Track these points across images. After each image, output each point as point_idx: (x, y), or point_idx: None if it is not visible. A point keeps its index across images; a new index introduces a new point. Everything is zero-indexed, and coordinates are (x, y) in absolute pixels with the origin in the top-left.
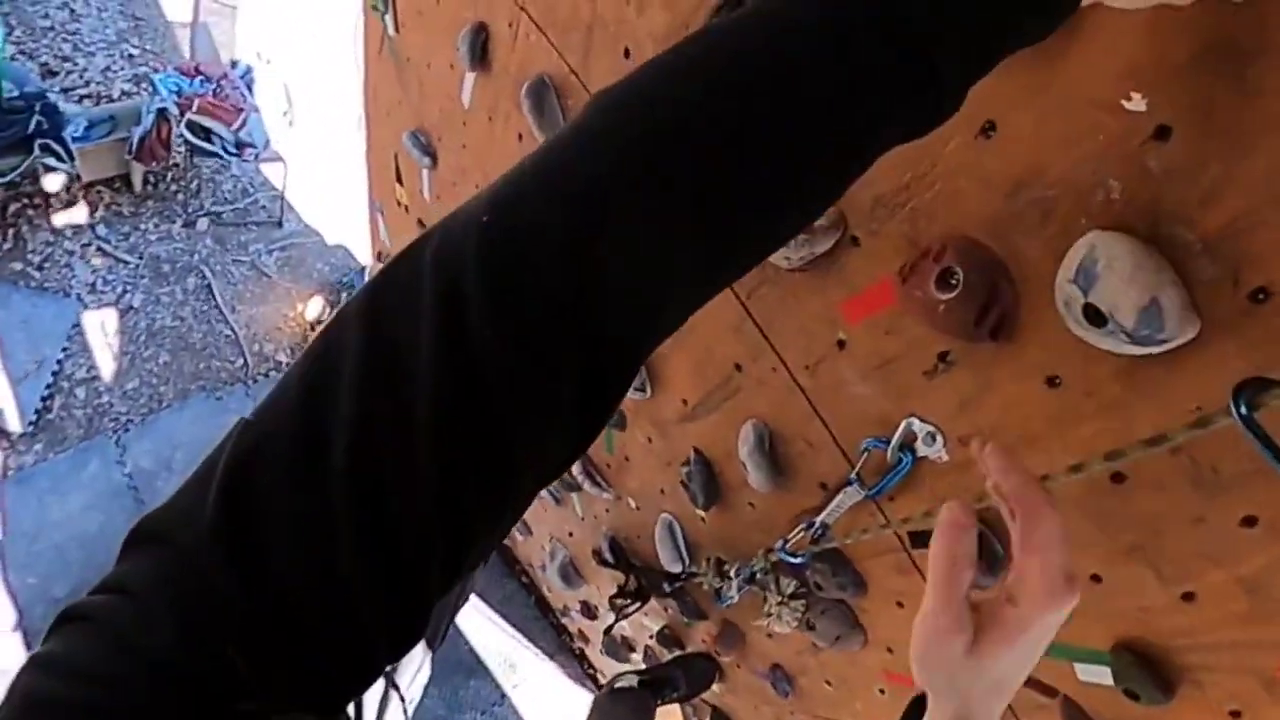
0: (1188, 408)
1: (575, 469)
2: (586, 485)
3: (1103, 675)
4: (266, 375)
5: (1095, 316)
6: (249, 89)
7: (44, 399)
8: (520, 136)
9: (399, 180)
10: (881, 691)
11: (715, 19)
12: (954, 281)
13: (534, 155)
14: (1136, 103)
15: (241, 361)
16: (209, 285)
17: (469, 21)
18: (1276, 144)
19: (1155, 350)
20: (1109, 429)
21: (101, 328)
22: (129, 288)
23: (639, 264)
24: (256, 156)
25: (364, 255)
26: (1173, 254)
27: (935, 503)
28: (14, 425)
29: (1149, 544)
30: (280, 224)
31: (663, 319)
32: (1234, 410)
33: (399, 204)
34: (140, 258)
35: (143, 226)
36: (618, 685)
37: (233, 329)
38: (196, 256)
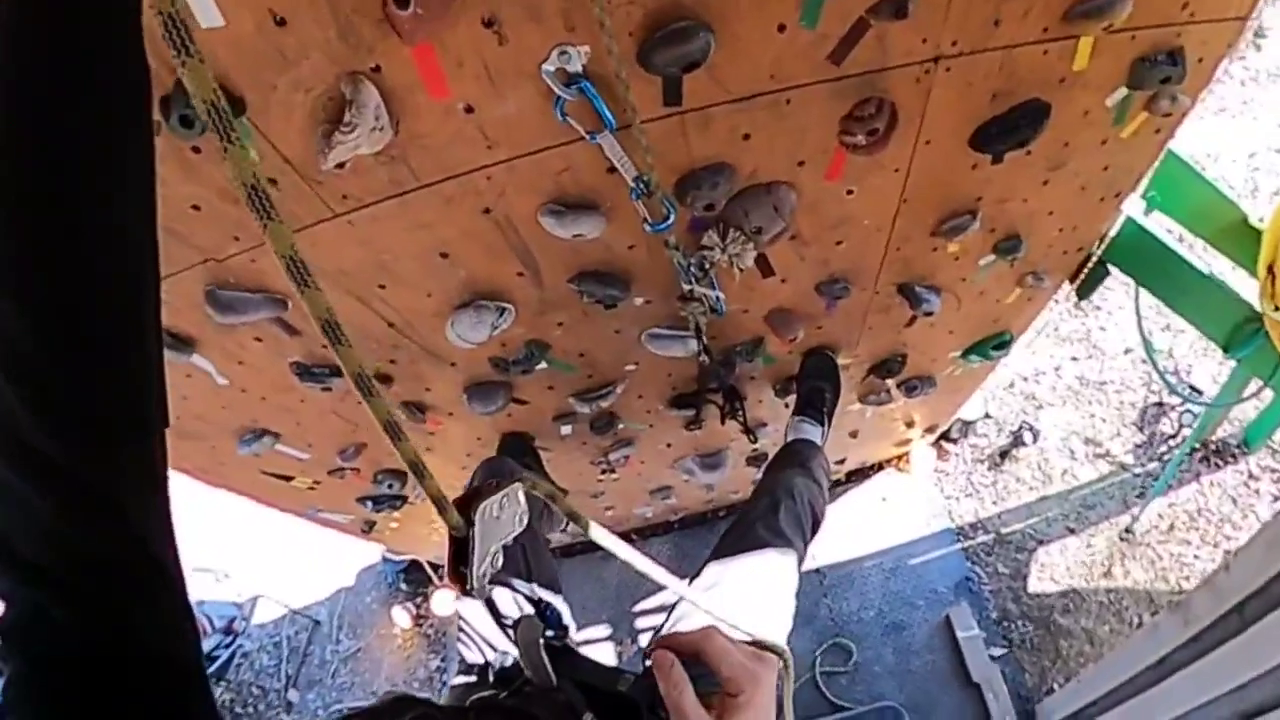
0: None
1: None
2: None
3: None
4: (447, 685)
5: None
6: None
7: None
8: None
9: (283, 479)
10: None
11: None
12: None
13: None
14: None
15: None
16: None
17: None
18: None
19: None
20: None
21: None
22: None
23: None
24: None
25: (352, 566)
26: None
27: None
28: None
29: None
30: (316, 620)
31: None
32: None
33: (305, 488)
34: None
35: None
36: None
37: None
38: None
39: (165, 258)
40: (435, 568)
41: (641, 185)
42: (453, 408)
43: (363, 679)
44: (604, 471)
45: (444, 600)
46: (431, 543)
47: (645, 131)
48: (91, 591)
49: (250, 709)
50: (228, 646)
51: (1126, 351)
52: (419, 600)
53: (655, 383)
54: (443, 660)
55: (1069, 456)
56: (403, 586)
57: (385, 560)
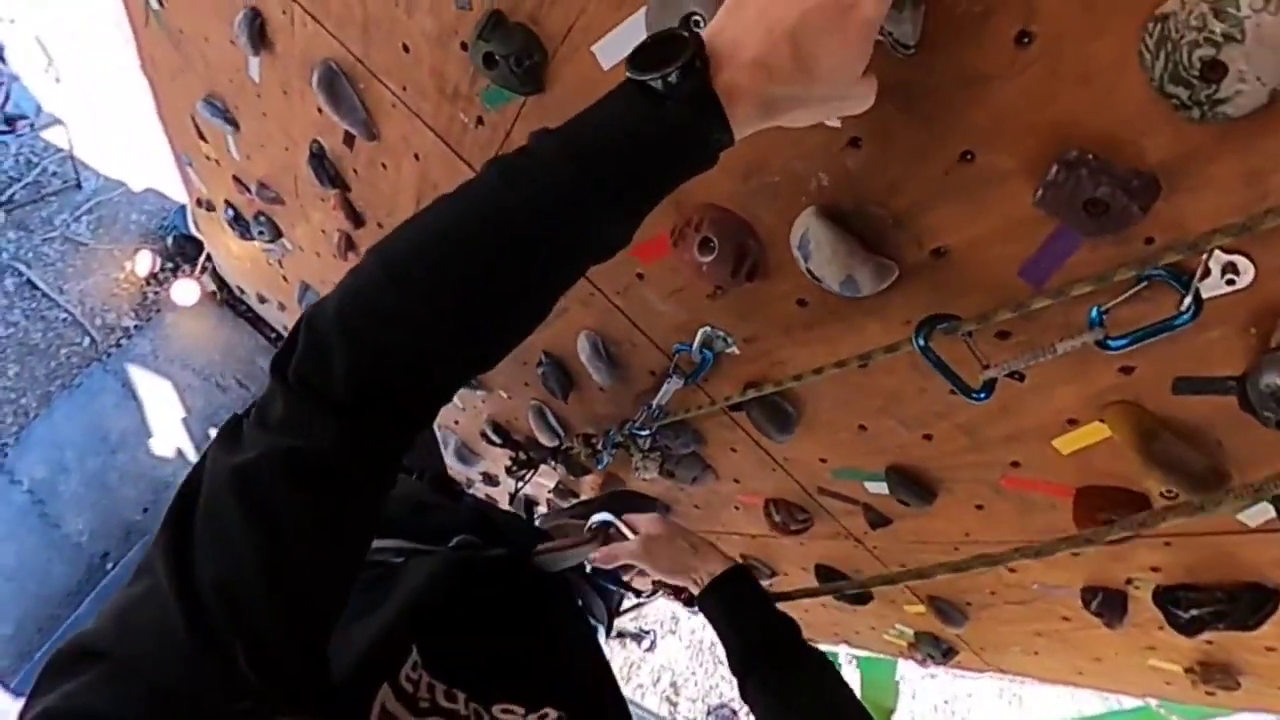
0: (903, 320)
1: None
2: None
3: (882, 489)
4: (118, 345)
5: (814, 276)
6: (0, 59)
7: None
8: (320, 109)
9: (202, 138)
10: (736, 508)
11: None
12: (711, 247)
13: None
14: (834, 121)
15: (89, 340)
16: (28, 280)
17: (241, 5)
18: (940, 151)
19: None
20: (854, 335)
21: None
22: None
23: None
24: (33, 126)
25: (176, 194)
26: (872, 225)
27: (736, 381)
28: None
29: (891, 406)
30: (79, 185)
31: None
32: (914, 341)
33: (208, 158)
34: None
35: None
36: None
37: (68, 311)
38: (5, 254)
39: None
40: (209, 259)
41: (657, 411)
42: None
43: (61, 270)
44: None
45: (185, 290)
46: (250, 272)
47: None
48: None
49: None
50: None
51: None
52: (169, 266)
53: (504, 410)
54: (134, 327)
55: None
56: (168, 241)
57: (181, 211)
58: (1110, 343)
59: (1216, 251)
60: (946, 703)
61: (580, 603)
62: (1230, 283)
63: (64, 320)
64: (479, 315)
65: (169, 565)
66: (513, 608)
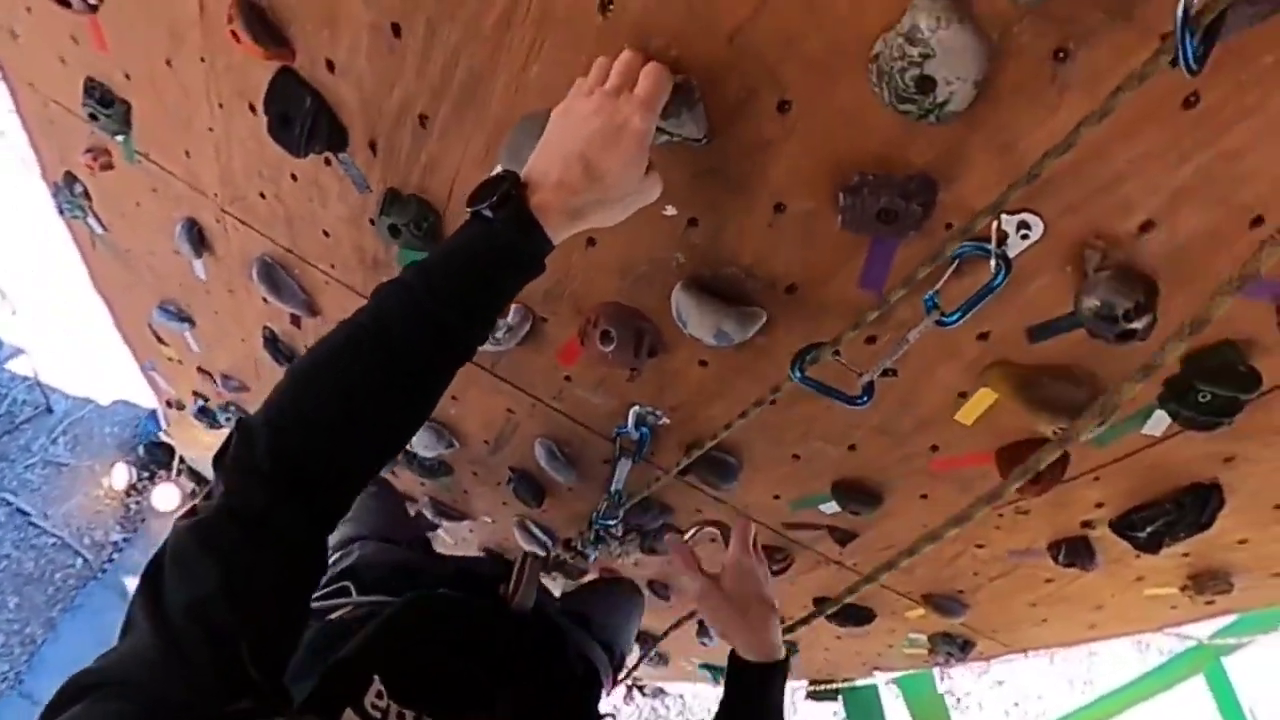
0: (787, 353)
1: (429, 513)
2: (444, 522)
3: (834, 507)
4: (110, 560)
5: (695, 338)
6: None
7: None
8: (265, 299)
9: (162, 343)
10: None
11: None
12: (611, 337)
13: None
14: (670, 210)
15: (81, 560)
16: (16, 508)
17: (177, 219)
18: (758, 209)
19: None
20: (756, 379)
21: None
22: None
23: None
24: None
25: (144, 400)
26: (731, 283)
27: (679, 446)
28: None
29: (812, 429)
30: (50, 409)
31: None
32: (792, 374)
33: (170, 359)
34: None
35: None
36: None
37: (57, 535)
38: None
39: None
40: (182, 461)
41: (617, 495)
42: None
43: (46, 495)
44: None
45: (166, 496)
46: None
47: (654, 479)
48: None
49: None
50: None
51: None
52: (145, 475)
53: (492, 534)
54: (123, 540)
55: None
56: (140, 451)
57: (151, 417)
58: (945, 319)
59: (1004, 216)
60: (1017, 705)
61: (574, 651)
62: (1025, 237)
63: (54, 545)
64: (363, 410)
65: (146, 608)
66: (487, 646)
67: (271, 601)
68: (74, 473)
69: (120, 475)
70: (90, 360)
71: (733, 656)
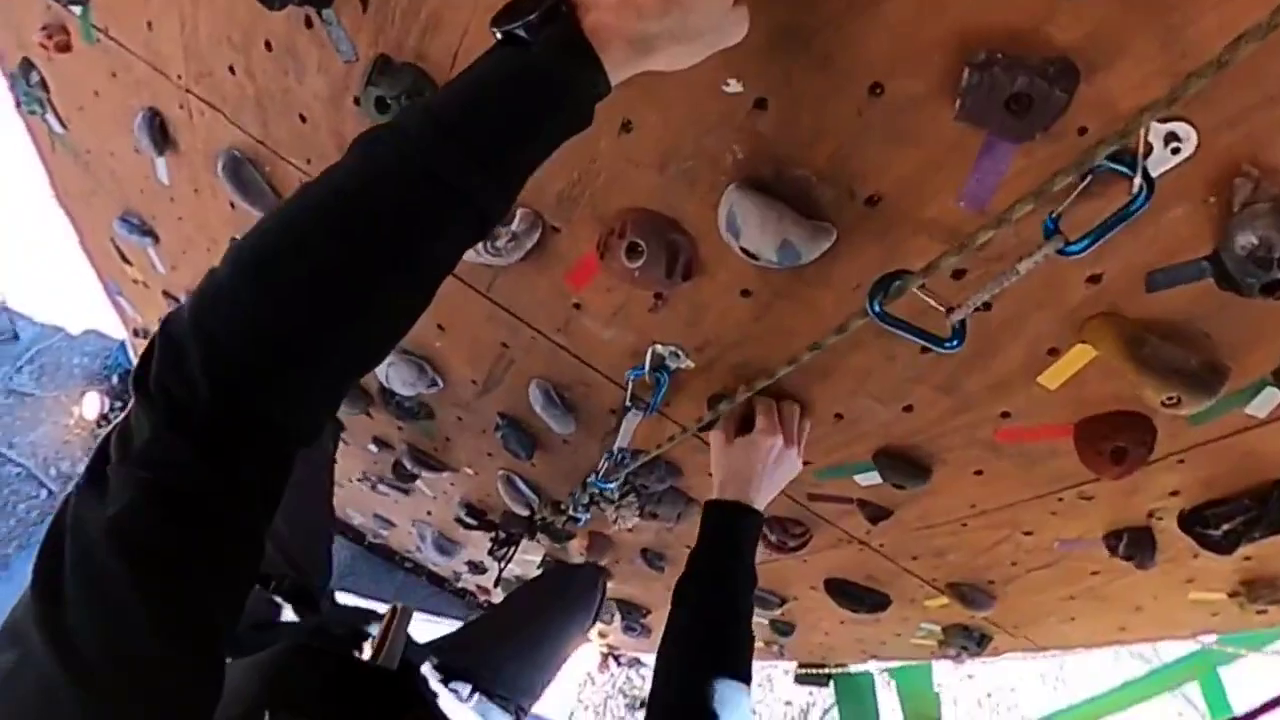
0: (853, 285)
1: (407, 462)
2: (423, 473)
3: (874, 478)
4: None
5: (750, 255)
6: None
7: None
8: (232, 204)
9: (126, 261)
10: None
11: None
12: (639, 250)
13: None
14: (734, 85)
15: (45, 492)
16: None
17: (137, 109)
18: (849, 90)
19: (805, 264)
20: (810, 314)
21: None
22: None
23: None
24: None
25: (116, 332)
26: (799, 188)
27: (701, 398)
28: None
29: (864, 384)
30: (16, 336)
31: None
32: (871, 308)
33: (135, 281)
34: None
35: None
36: None
37: (21, 465)
38: None
39: None
40: None
41: (620, 455)
42: None
43: (10, 424)
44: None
45: None
46: None
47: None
48: None
49: None
50: None
51: None
52: (118, 405)
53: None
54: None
55: None
56: (114, 380)
57: (123, 349)
58: (1070, 248)
59: (1153, 124)
60: (990, 695)
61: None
62: (1175, 151)
63: (18, 475)
64: (340, 301)
65: (45, 627)
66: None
67: (213, 610)
68: (39, 402)
69: (91, 404)
70: (62, 288)
71: (708, 503)
